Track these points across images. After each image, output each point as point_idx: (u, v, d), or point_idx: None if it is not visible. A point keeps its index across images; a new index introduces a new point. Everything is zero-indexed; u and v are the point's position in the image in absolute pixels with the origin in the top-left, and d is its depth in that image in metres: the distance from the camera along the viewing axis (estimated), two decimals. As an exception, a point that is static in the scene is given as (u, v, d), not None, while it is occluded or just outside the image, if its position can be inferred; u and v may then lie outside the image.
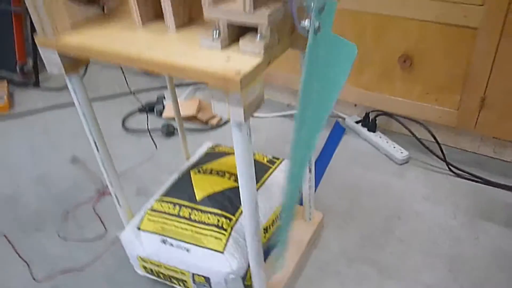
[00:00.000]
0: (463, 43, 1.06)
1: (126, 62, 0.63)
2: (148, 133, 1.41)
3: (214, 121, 1.44)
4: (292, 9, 0.56)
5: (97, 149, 0.85)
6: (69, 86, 0.76)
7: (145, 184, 1.21)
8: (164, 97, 1.57)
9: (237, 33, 0.60)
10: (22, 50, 1.81)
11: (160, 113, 1.50)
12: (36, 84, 1.82)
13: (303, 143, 0.59)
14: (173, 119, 1.47)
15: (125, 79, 1.21)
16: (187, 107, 1.46)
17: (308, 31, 0.54)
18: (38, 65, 1.82)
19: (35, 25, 0.70)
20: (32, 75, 1.81)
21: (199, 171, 0.97)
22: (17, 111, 1.65)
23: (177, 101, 1.04)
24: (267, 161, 1.02)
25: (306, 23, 0.55)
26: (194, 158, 1.08)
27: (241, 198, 0.69)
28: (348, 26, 1.20)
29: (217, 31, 0.59)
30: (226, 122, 1.44)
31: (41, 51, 0.72)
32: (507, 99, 1.08)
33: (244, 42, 0.57)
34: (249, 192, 0.67)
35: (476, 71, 1.08)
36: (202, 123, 1.44)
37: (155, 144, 1.35)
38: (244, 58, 0.56)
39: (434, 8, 1.05)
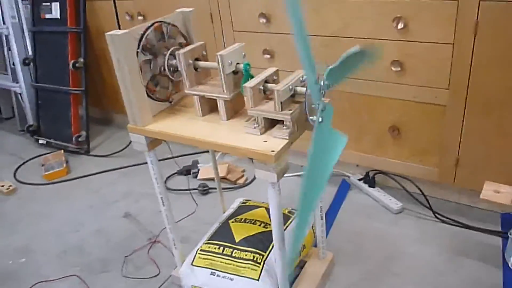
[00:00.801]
0: (436, 116, 1.37)
1: (195, 143, 0.94)
2: (187, 192, 1.71)
3: (241, 181, 1.74)
4: (305, 109, 0.87)
5: (163, 204, 1.14)
6: (148, 159, 1.07)
7: (188, 234, 1.49)
8: (198, 162, 1.88)
9: (270, 123, 0.91)
10: (77, 124, 2.16)
11: (195, 175, 1.81)
12: (87, 152, 2.16)
13: (307, 204, 0.79)
14: (207, 180, 1.77)
15: (169, 148, 1.53)
16: (219, 170, 1.77)
17: (314, 122, 0.85)
18: (89, 136, 2.18)
19: (128, 117, 1.02)
20: (85, 145, 2.15)
21: (235, 220, 1.25)
22: (74, 175, 1.97)
23: (216, 165, 1.35)
24: (288, 212, 1.30)
25: (314, 117, 0.86)
26: (230, 211, 1.36)
27: (273, 237, 0.96)
28: (348, 104, 1.53)
29: (257, 123, 0.90)
30: (251, 181, 1.74)
31: (131, 135, 1.04)
32: (476, 158, 1.36)
33: (275, 130, 0.88)
34: (279, 232, 0.95)
35: (449, 138, 1.37)
36: (231, 182, 1.74)
37: (195, 201, 1.65)
38: (275, 141, 0.87)
39: (412, 91, 1.37)
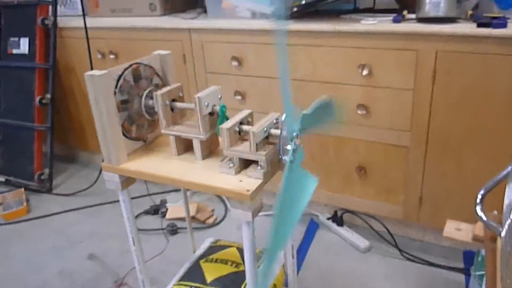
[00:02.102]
0: (400, 157, 1.46)
1: (171, 182, 0.96)
2: (155, 232, 1.70)
3: (210, 220, 1.75)
4: (280, 150, 0.92)
5: (134, 244, 1.14)
6: (121, 198, 1.08)
7: (157, 275, 1.47)
8: (166, 201, 1.88)
9: (245, 163, 0.95)
10: (40, 161, 2.12)
11: (163, 215, 1.80)
12: (50, 190, 2.11)
13: (276, 242, 0.81)
14: (176, 219, 1.77)
15: (147, 186, 1.53)
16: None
17: (286, 162, 0.90)
18: (52, 174, 2.14)
19: (103, 155, 1.03)
20: (47, 183, 2.11)
21: (206, 260, 1.26)
22: (35, 215, 1.92)
23: (187, 204, 1.36)
24: (259, 252, 1.32)
25: (286, 158, 0.91)
26: (200, 251, 1.37)
27: (246, 276, 0.98)
28: (316, 145, 1.60)
29: (232, 163, 0.94)
30: (221, 221, 1.75)
31: (104, 173, 1.05)
32: (437, 197, 1.44)
33: (250, 170, 0.92)
34: (252, 271, 0.97)
35: (412, 177, 1.46)
36: (200, 222, 1.75)
37: (166, 239, 1.64)
38: (250, 180, 0.91)
39: (377, 132, 1.46)
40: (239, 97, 1.64)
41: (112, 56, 1.92)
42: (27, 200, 2.01)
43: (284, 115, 0.86)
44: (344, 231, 1.63)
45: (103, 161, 1.04)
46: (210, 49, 1.66)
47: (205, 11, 1.82)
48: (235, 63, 1.60)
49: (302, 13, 1.57)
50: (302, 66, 1.49)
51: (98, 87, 0.95)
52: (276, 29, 0.81)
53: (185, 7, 1.99)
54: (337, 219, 1.66)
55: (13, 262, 1.61)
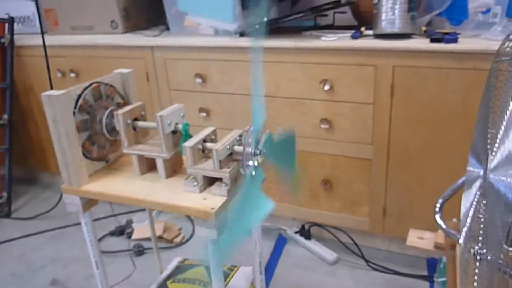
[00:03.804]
0: (364, 170, 1.49)
1: (134, 203, 0.95)
2: (121, 254, 1.66)
3: (178, 239, 1.72)
4: (242, 165, 0.92)
5: (97, 268, 1.11)
6: (82, 221, 1.05)
7: (123, 298, 1.44)
8: (132, 221, 1.84)
9: (209, 181, 0.95)
10: (-2, 185, 2.05)
11: (129, 236, 1.77)
12: (8, 215, 2.03)
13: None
14: (142, 240, 1.74)
15: (111, 207, 1.50)
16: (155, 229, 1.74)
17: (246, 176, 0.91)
18: (11, 197, 2.06)
19: (63, 178, 1.01)
20: (6, 207, 2.03)
21: (174, 281, 1.24)
22: (-8, 241, 1.84)
23: (153, 224, 1.34)
24: (227, 269, 1.31)
25: (247, 171, 0.92)
26: (167, 272, 1.35)
27: (213, 294, 0.97)
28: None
29: (196, 181, 0.94)
30: (188, 240, 1.73)
31: (64, 196, 1.02)
32: (400, 208, 1.48)
33: (214, 188, 0.92)
34: (219, 285, 0.96)
35: (375, 189, 1.49)
36: (168, 241, 1.72)
37: (132, 262, 1.60)
38: (215, 198, 0.91)
39: (340, 146, 1.49)
40: (203, 114, 1.64)
41: (73, 75, 1.89)
42: (-16, 226, 1.92)
43: (251, 128, 0.86)
44: (312, 244, 1.64)
45: (63, 183, 1.01)
46: (173, 67, 1.66)
47: (168, 29, 1.82)
48: (198, 80, 1.61)
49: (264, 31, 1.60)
50: (265, 82, 1.51)
51: (56, 107, 0.93)
52: (251, 46, 0.83)
53: (147, 25, 1.99)
54: (305, 232, 1.67)
55: (-32, 293, 1.54)
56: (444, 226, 0.98)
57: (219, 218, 0.88)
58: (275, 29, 1.67)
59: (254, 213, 0.85)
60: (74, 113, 0.98)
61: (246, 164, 0.89)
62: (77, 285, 1.53)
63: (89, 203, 1.03)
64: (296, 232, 1.70)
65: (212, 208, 0.87)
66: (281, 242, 1.69)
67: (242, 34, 1.59)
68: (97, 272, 1.12)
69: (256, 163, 0.89)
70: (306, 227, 1.68)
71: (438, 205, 1.05)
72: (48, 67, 1.78)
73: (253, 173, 0.88)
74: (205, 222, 0.88)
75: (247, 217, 0.85)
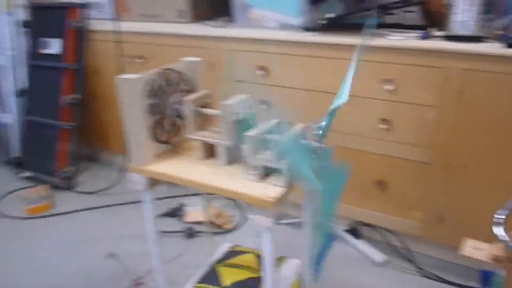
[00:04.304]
0: (421, 173, 1.47)
1: (196, 186, 0.99)
2: (172, 235, 1.74)
3: (228, 226, 1.78)
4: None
5: (153, 245, 1.18)
6: (144, 199, 1.12)
7: (174, 278, 1.50)
8: (184, 204, 1.92)
9: (268, 171, 0.98)
10: (65, 159, 2.19)
11: (181, 218, 1.84)
12: (72, 188, 2.18)
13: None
14: (193, 223, 1.81)
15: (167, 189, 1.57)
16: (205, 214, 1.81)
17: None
18: (75, 173, 2.20)
19: (131, 157, 1.07)
20: (71, 181, 2.17)
21: (224, 265, 1.29)
22: (58, 211, 1.98)
23: (208, 208, 1.40)
24: (276, 259, 1.34)
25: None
26: (217, 255, 1.40)
27: (263, 280, 1.00)
28: (336, 156, 1.61)
29: (256, 171, 0.97)
30: (239, 227, 1.78)
31: (131, 175, 1.09)
32: (457, 216, 1.45)
33: (273, 178, 0.95)
34: (270, 275, 0.99)
35: (432, 194, 1.46)
36: (218, 227, 1.78)
37: (185, 242, 1.67)
38: (273, 188, 0.93)
39: (398, 147, 1.47)
40: (264, 106, 1.67)
41: (139, 60, 1.98)
42: (51, 196, 2.07)
43: (321, 124, 0.90)
44: (360, 244, 1.64)
45: (127, 162, 1.08)
46: (236, 58, 1.70)
47: (232, 20, 1.86)
48: (261, 72, 1.64)
49: (328, 26, 1.60)
50: (326, 78, 1.52)
51: (130, 90, 0.99)
52: (359, 44, 0.88)
53: (212, 15, 2.04)
54: (354, 231, 1.67)
55: (34, 257, 1.67)
56: (505, 238, 0.95)
57: (277, 207, 0.91)
58: (339, 25, 1.66)
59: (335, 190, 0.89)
60: (145, 96, 1.03)
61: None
62: (131, 259, 1.62)
63: (152, 182, 1.10)
64: (345, 231, 1.70)
65: (270, 197, 0.90)
66: (329, 239, 1.70)
67: (306, 29, 1.60)
68: (153, 249, 1.18)
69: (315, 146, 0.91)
70: (356, 226, 1.68)
71: (500, 217, 1.02)
72: (118, 52, 1.87)
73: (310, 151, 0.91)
74: (262, 210, 0.91)
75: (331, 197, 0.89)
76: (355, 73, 0.91)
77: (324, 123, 0.92)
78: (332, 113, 0.91)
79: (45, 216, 1.94)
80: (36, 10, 2.27)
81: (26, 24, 2.27)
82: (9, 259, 1.66)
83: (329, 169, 0.94)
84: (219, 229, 1.77)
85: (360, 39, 1.41)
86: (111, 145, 2.33)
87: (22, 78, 2.33)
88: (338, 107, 0.91)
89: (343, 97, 0.91)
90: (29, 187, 2.16)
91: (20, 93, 2.30)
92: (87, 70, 2.22)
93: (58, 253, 1.68)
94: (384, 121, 1.46)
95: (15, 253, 1.69)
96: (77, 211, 1.97)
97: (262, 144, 0.98)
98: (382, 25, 1.66)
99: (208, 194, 1.91)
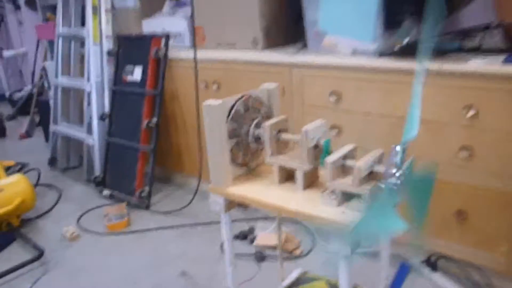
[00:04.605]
0: (506, 204, 1.38)
1: (274, 209, 1.02)
2: (243, 257, 1.77)
3: (297, 252, 1.78)
4: (382, 185, 0.94)
5: (230, 264, 1.21)
6: (222, 220, 1.15)
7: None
8: (254, 228, 1.95)
9: (345, 197, 0.98)
10: (142, 179, 2.32)
11: (251, 241, 1.87)
12: (147, 207, 2.29)
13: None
14: (264, 247, 1.83)
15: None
16: (276, 238, 1.82)
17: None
18: (151, 193, 2.32)
19: (211, 178, 1.12)
20: (146, 200, 2.29)
21: (296, 290, 1.29)
22: (134, 228, 2.09)
23: (280, 232, 1.41)
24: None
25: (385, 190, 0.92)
26: (288, 281, 1.40)
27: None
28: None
29: (334, 195, 0.97)
30: (308, 253, 1.78)
31: (211, 196, 1.13)
32: (549, 253, 1.34)
33: (352, 203, 0.95)
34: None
35: (520, 228, 1.38)
36: (287, 252, 1.78)
37: (257, 266, 1.69)
38: (353, 213, 0.94)
39: (480, 176, 1.40)
40: (335, 131, 1.68)
41: (215, 87, 2.07)
42: (128, 214, 2.19)
43: (397, 148, 0.89)
44: (437, 277, 1.56)
45: (200, 184, 1.13)
46: (310, 83, 1.73)
47: (306, 46, 1.90)
48: (333, 97, 1.65)
49: (404, 51, 1.59)
50: (403, 104, 1.50)
51: (213, 115, 1.05)
52: (417, 65, 0.87)
53: (286, 42, 2.10)
54: (431, 264, 1.60)
55: (112, 273, 1.77)
56: None
57: (355, 234, 0.91)
58: (415, 50, 1.64)
59: (382, 228, 0.87)
60: (226, 121, 1.09)
61: (386, 182, 0.91)
62: (203, 279, 1.66)
63: (230, 204, 1.13)
64: (421, 262, 1.63)
65: (351, 223, 0.90)
66: (403, 270, 1.64)
67: (381, 54, 1.60)
68: (229, 270, 1.21)
69: (396, 184, 0.90)
70: (433, 258, 1.60)
71: None
72: (196, 79, 1.98)
73: (391, 192, 0.89)
74: (341, 236, 0.91)
75: (374, 230, 0.87)
76: (419, 102, 0.89)
77: (399, 148, 0.91)
78: (406, 142, 0.90)
79: (123, 233, 2.05)
80: (122, 40, 2.47)
81: (112, 53, 2.47)
82: (89, 273, 1.77)
83: (413, 178, 0.92)
84: (289, 254, 1.78)
85: (437, 64, 1.39)
86: (184, 167, 2.43)
87: (106, 103, 2.51)
88: (407, 143, 0.90)
89: (411, 132, 0.90)
90: (109, 204, 2.30)
91: (103, 117, 2.48)
92: (165, 95, 2.36)
93: (134, 269, 1.77)
94: (464, 148, 1.40)
95: (95, 268, 1.80)
96: (151, 229, 2.07)
97: (340, 169, 0.99)
98: (461, 49, 1.62)
99: (280, 218, 1.92)
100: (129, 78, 2.39)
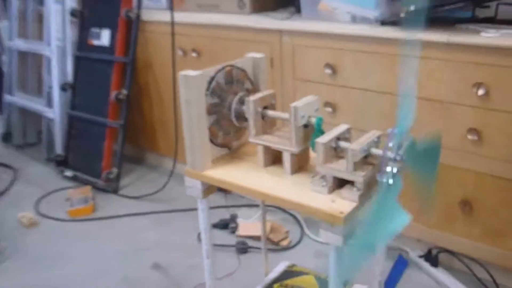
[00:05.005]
0: (516, 195, 1.42)
1: (257, 196, 1.03)
2: (223, 248, 1.79)
3: (284, 243, 1.80)
4: (380, 170, 0.95)
5: (207, 257, 1.22)
6: (200, 207, 1.16)
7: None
8: (237, 216, 1.97)
9: (338, 183, 0.99)
10: (109, 160, 2.31)
11: (233, 231, 1.89)
12: (116, 191, 2.29)
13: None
14: (247, 237, 1.85)
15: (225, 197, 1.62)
16: (260, 228, 1.84)
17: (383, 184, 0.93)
18: (120, 175, 2.32)
19: (187, 160, 1.12)
20: (114, 183, 2.29)
21: (281, 286, 1.32)
22: (100, 215, 2.09)
23: (265, 221, 1.43)
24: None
25: (384, 179, 0.94)
26: (273, 274, 1.42)
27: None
28: (414, 170, 1.60)
29: (325, 181, 0.99)
30: (295, 245, 1.80)
31: (187, 179, 1.14)
32: (559, 248, 1.39)
33: (344, 191, 0.96)
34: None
35: (530, 220, 1.41)
36: (273, 243, 1.81)
37: (238, 258, 1.72)
38: (344, 202, 0.95)
39: (489, 163, 1.43)
40: (329, 109, 1.69)
41: (194, 54, 2.06)
42: (93, 199, 2.19)
43: (394, 130, 0.89)
44: (438, 273, 1.60)
45: (176, 165, 1.13)
46: (302, 54, 1.73)
47: (299, 11, 1.89)
48: (328, 71, 1.65)
49: (411, 20, 1.59)
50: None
51: (191, 87, 1.04)
52: (407, 37, 0.87)
53: (276, 6, 2.08)
54: (432, 258, 1.64)
55: (77, 262, 1.78)
56: None
57: (347, 224, 0.92)
58: (422, 18, 1.65)
59: (387, 225, 0.89)
60: (206, 95, 1.08)
61: (384, 169, 0.92)
62: (178, 271, 1.68)
63: (208, 189, 1.14)
64: (420, 256, 1.67)
65: (341, 213, 0.91)
66: (401, 264, 1.68)
67: (383, 23, 1.60)
68: (206, 262, 1.23)
69: (395, 170, 0.91)
70: (434, 252, 1.64)
71: None
72: (173, 45, 1.96)
73: (391, 181, 0.91)
74: (331, 226, 0.93)
75: (379, 229, 0.88)
76: (414, 80, 0.90)
77: (397, 130, 0.92)
78: (405, 124, 0.91)
79: (87, 220, 2.06)
80: (88, -2, 2.42)
81: (76, 13, 2.43)
82: (51, 262, 1.78)
83: (416, 151, 0.93)
84: (274, 245, 1.80)
85: (445, 36, 1.40)
86: (158, 146, 2.43)
87: (68, 71, 2.48)
88: (404, 133, 0.91)
89: (406, 120, 0.90)
90: (71, 187, 2.30)
91: (65, 87, 2.45)
92: (137, 64, 2.33)
93: (101, 261, 1.78)
94: (473, 131, 1.43)
95: (58, 257, 1.81)
96: (120, 216, 2.07)
97: (333, 152, 1.00)
98: (473, 20, 1.63)
99: (266, 206, 1.93)
100: (96, 42, 2.36)
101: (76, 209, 2.09)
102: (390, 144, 0.91)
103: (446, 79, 1.44)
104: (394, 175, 0.91)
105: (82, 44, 2.43)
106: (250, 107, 1.09)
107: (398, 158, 0.91)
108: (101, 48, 2.34)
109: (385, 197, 0.90)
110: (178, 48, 2.11)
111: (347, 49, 1.61)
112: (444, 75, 1.44)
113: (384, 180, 0.92)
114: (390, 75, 1.54)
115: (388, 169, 0.91)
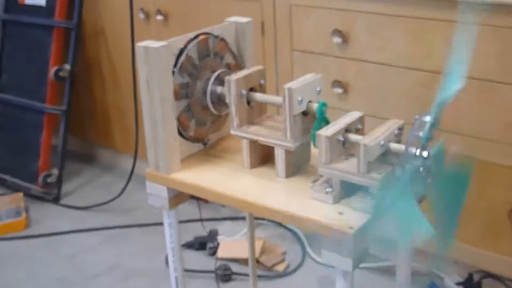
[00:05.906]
0: None
1: (241, 206, 1.03)
2: (200, 275, 1.79)
3: (280, 268, 1.81)
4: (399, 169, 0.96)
5: (177, 286, 1.23)
6: (166, 220, 1.16)
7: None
8: (218, 232, 1.97)
9: (348, 189, 1.00)
10: (48, 157, 2.31)
11: (212, 252, 1.90)
12: (57, 199, 2.29)
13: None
14: (230, 260, 1.86)
15: (199, 208, 1.63)
16: (247, 248, 1.85)
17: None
18: (62, 176, 2.32)
19: (149, 159, 1.13)
20: (55, 189, 2.29)
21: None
22: (36, 231, 2.09)
23: (253, 240, 1.44)
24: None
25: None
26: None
27: None
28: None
29: (330, 187, 0.99)
30: (296, 269, 1.81)
31: (148, 184, 1.14)
32: None
33: (355, 200, 0.97)
34: None
35: None
36: (266, 268, 1.82)
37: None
38: (355, 214, 0.96)
39: (548, 161, 1.45)
40: (338, 90, 1.69)
41: (159, 17, 2.05)
42: (26, 210, 2.18)
43: (423, 119, 0.90)
44: (481, 305, 1.63)
45: (148, 166, 1.13)
46: (302, 17, 1.73)
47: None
48: (337, 39, 1.66)
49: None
50: (436, 53, 1.52)
51: (153, 63, 1.04)
52: None
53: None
54: (473, 285, 1.66)
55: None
56: None
57: (359, 242, 0.93)
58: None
59: (402, 232, 0.90)
60: (173, 73, 1.08)
61: (405, 164, 0.93)
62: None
63: (178, 197, 1.14)
64: (459, 284, 1.69)
65: (351, 228, 0.92)
66: (432, 292, 1.70)
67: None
68: (176, 294, 1.24)
69: (420, 170, 0.92)
70: (476, 277, 1.66)
71: None
72: (131, 7, 1.95)
73: (413, 181, 0.92)
74: (338, 246, 0.93)
75: (390, 234, 0.90)
76: (471, 44, 0.90)
77: (429, 118, 0.93)
78: (441, 106, 0.91)
79: (19, 237, 2.05)
80: None
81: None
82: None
83: (444, 173, 0.94)
84: (267, 271, 1.81)
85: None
86: (114, 140, 2.43)
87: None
88: (449, 98, 0.91)
89: (455, 82, 0.91)
90: (-3, 195, 2.30)
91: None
92: (86, 30, 2.32)
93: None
94: (525, 119, 1.44)
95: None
96: (63, 233, 2.07)
97: (340, 148, 1.01)
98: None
99: (254, 219, 1.94)
100: (29, 1, 2.34)
101: (3, 224, 2.08)
102: (419, 134, 0.92)
103: (489, 50, 1.44)
104: (417, 171, 0.92)
105: (10, 3, 2.41)
106: (232, 88, 1.09)
107: (425, 155, 0.92)
108: (36, 9, 2.33)
109: (401, 195, 0.90)
110: (139, 9, 2.10)
111: (360, 12, 1.61)
112: (486, 45, 1.44)
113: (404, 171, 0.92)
114: (416, 46, 1.55)
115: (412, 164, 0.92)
